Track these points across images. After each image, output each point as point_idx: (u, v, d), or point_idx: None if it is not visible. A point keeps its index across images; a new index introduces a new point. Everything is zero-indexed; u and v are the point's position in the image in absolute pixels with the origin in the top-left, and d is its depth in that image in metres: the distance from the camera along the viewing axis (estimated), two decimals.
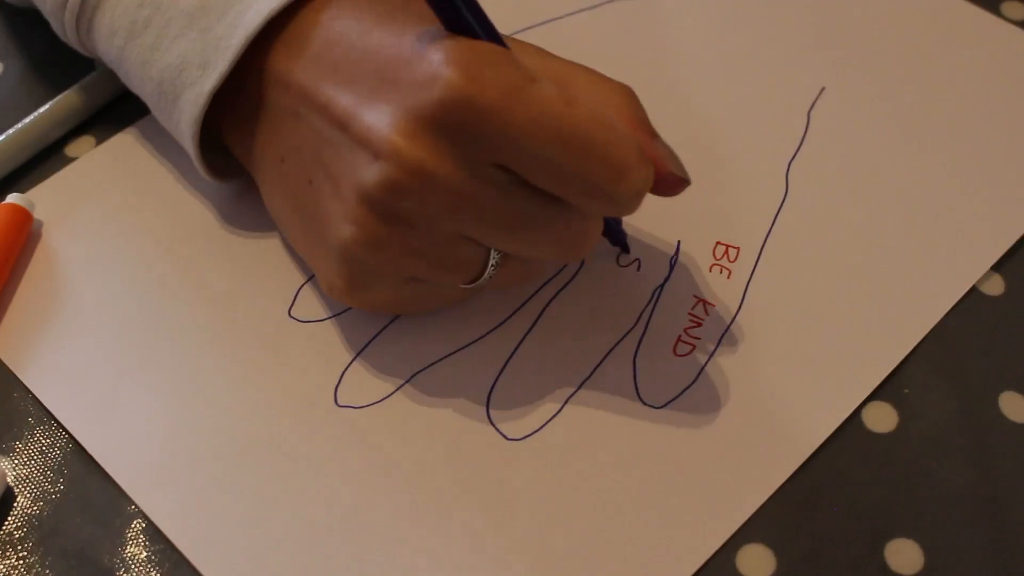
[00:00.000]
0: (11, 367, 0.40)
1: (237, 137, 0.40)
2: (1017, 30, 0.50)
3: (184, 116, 0.38)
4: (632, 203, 0.34)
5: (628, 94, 0.37)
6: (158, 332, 0.40)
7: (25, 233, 0.42)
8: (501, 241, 0.35)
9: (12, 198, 0.42)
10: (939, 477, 0.38)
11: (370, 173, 0.33)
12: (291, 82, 0.36)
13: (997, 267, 0.42)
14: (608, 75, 0.37)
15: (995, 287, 0.42)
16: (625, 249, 0.42)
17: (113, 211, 0.44)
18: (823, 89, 0.47)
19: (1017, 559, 0.36)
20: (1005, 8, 0.50)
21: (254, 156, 0.39)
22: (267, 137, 0.38)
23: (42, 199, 0.43)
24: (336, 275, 0.36)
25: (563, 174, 0.33)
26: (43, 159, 0.45)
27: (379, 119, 0.33)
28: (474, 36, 0.33)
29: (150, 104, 0.40)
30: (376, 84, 0.34)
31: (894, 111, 0.47)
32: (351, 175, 0.34)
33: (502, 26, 0.35)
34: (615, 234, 0.42)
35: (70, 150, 0.45)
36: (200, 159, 0.40)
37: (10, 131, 0.44)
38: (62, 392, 0.39)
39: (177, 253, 0.42)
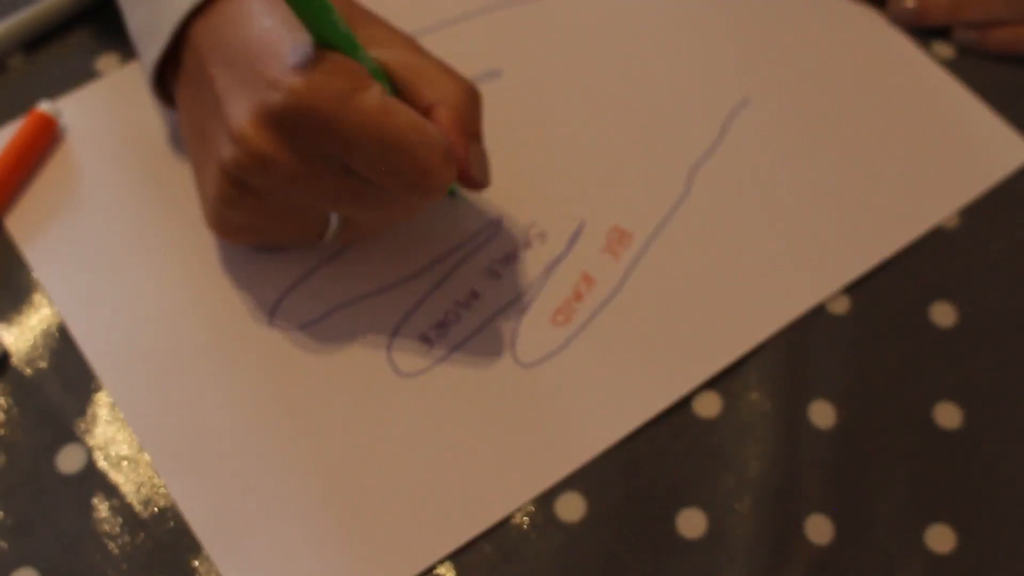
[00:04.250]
0: (20, 246, 0.49)
1: (174, 86, 0.47)
2: (940, 71, 0.55)
3: (145, 73, 0.47)
4: (435, 196, 0.41)
5: (467, 92, 0.43)
6: (147, 240, 0.49)
7: (49, 136, 0.51)
8: (339, 210, 0.44)
9: (41, 105, 0.51)
10: (739, 462, 0.46)
11: (226, 150, 0.41)
12: (198, 50, 0.43)
13: (849, 289, 0.49)
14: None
15: (840, 306, 0.49)
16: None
17: (130, 125, 0.52)
18: (746, 99, 0.54)
19: (787, 537, 0.44)
20: (935, 46, 0.55)
21: (178, 104, 0.47)
22: (187, 92, 0.45)
23: (69, 108, 0.52)
24: (208, 213, 0.45)
25: (378, 169, 0.40)
26: (71, 71, 0.53)
27: (238, 107, 0.40)
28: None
29: None
30: (246, 71, 0.41)
31: (807, 132, 0.53)
32: (216, 145, 0.42)
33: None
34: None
35: (98, 66, 0.54)
36: (160, 100, 0.48)
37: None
38: (58, 275, 0.48)
39: (179, 171, 0.51)
